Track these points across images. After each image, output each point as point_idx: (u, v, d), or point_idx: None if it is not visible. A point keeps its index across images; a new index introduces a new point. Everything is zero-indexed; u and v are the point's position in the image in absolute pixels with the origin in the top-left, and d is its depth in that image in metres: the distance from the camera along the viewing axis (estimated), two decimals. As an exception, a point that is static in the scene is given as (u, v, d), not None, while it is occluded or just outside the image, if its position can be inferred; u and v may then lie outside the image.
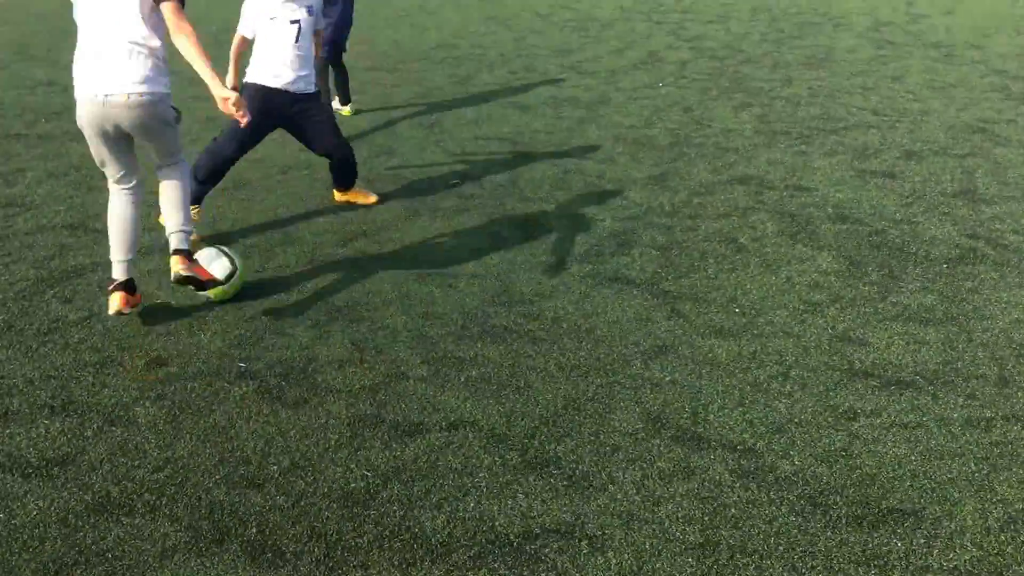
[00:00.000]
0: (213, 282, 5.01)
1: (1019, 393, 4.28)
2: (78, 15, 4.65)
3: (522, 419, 4.09)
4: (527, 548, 3.36)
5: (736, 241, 5.91)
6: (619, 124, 8.34)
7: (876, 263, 5.56)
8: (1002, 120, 8.23)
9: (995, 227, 6.04)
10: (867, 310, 5.03)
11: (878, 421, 4.06)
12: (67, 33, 12.55)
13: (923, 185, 6.77)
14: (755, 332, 4.83)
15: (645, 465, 3.79)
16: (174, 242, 4.84)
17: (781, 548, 3.36)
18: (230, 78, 6.13)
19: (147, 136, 4.71)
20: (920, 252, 5.70)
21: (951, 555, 3.33)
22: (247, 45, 6.08)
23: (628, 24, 12.75)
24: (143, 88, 4.56)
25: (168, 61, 4.73)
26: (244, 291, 5.21)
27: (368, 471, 3.75)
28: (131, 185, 4.88)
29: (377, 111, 8.85)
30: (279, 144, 7.84)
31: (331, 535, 3.41)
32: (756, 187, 6.79)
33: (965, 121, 8.22)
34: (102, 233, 6.02)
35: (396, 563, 3.30)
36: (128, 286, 4.83)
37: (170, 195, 4.91)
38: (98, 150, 4.72)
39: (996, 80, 9.54)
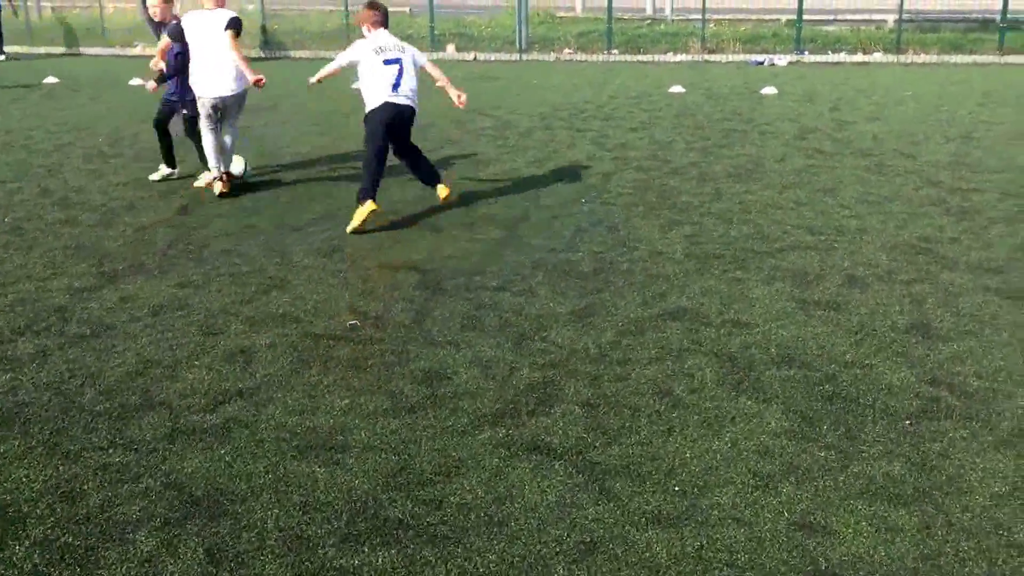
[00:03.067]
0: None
1: (1019, 602, 3.54)
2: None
3: (414, 663, 3.22)
4: None
5: (672, 393, 5.15)
6: (539, 247, 7.63)
7: (831, 420, 4.83)
8: (944, 239, 7.68)
9: (956, 370, 5.37)
10: (827, 484, 4.28)
11: (857, 651, 3.28)
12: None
13: (871, 318, 6.12)
14: (699, 519, 4.04)
15: None
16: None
17: None
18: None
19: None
20: (878, 404, 4.99)
21: None
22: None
23: (548, 132, 12.18)
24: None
25: None
26: (79, 481, 4.32)
27: None
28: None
29: (271, 235, 8.04)
30: (155, 276, 6.98)
31: None
32: (691, 323, 6.08)
33: (906, 240, 7.66)
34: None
35: None
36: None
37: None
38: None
39: (932, 192, 9.05)
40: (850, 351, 5.64)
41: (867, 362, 5.49)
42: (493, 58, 20.09)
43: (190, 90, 9.14)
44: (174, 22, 9.25)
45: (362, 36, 8.65)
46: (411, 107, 8.46)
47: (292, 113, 12.85)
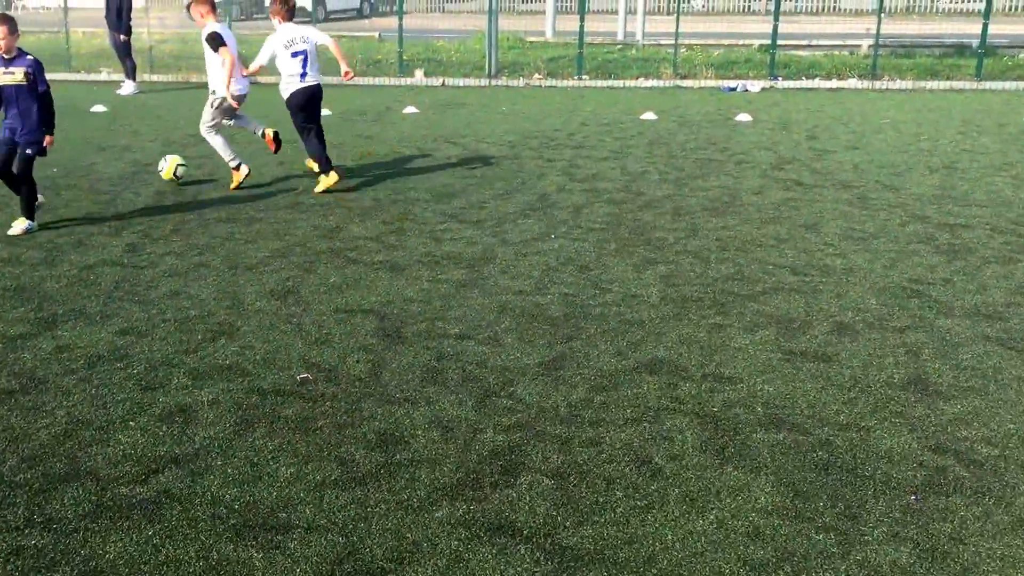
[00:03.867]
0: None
1: None
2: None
3: None
4: None
5: (650, 462, 4.69)
6: (506, 289, 7.17)
7: (828, 495, 4.38)
8: (937, 280, 7.28)
9: (961, 434, 4.94)
10: (827, 575, 3.82)
11: None
12: None
13: (864, 372, 5.69)
14: (684, 616, 3.58)
15: None
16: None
17: None
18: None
19: None
20: (879, 476, 4.55)
21: None
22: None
23: (517, 162, 11.74)
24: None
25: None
26: (-15, 572, 3.81)
27: None
28: None
29: (224, 273, 7.53)
30: (96, 323, 6.46)
31: None
32: (669, 377, 5.64)
33: (896, 282, 7.26)
34: None
35: None
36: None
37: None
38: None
39: (919, 228, 8.67)
40: (844, 411, 5.20)
41: (863, 424, 5.05)
42: (462, 83, 19.66)
43: (35, 131, 8.57)
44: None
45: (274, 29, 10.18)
46: (317, 85, 10.18)
47: (251, 141, 12.34)
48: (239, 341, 6.21)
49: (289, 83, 9.99)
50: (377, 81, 19.86)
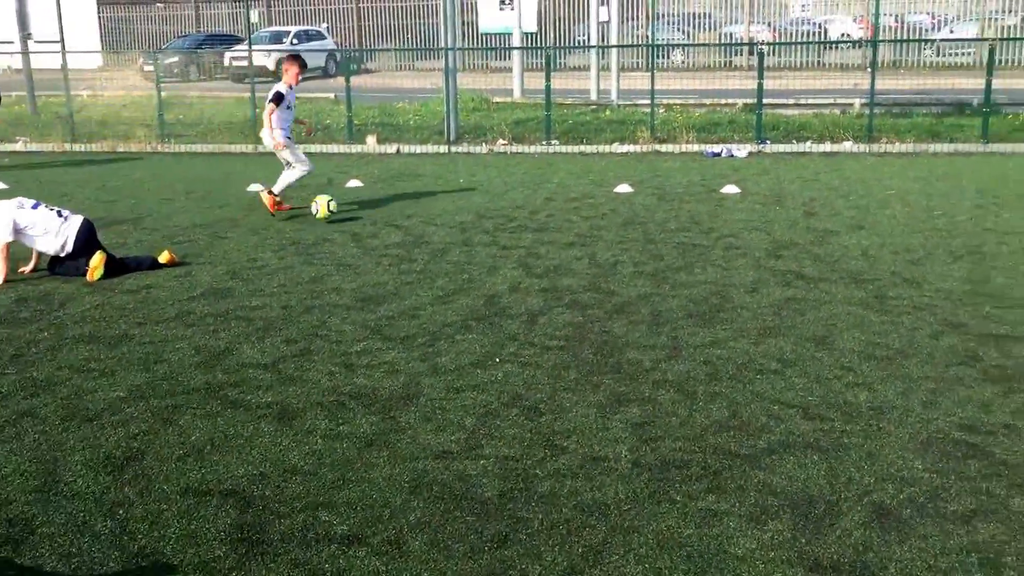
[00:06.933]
0: None
1: None
2: None
3: None
4: None
5: None
6: (425, 449, 5.34)
7: None
8: (996, 426, 5.48)
9: None
10: None
11: None
12: None
13: (929, 605, 3.86)
14: None
15: None
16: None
17: None
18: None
19: None
20: None
21: None
22: None
23: (466, 250, 9.92)
24: None
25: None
26: None
27: None
28: None
29: (53, 428, 5.67)
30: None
31: None
32: (641, 618, 3.79)
33: (943, 429, 5.45)
34: None
35: None
36: None
37: None
38: None
39: (957, 342, 6.88)
40: None
41: None
42: (419, 150, 17.90)
43: None
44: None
45: None
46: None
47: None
48: (26, 555, 4.34)
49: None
50: (325, 148, 18.08)
